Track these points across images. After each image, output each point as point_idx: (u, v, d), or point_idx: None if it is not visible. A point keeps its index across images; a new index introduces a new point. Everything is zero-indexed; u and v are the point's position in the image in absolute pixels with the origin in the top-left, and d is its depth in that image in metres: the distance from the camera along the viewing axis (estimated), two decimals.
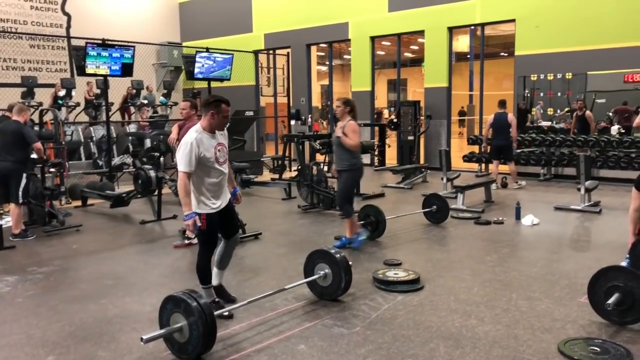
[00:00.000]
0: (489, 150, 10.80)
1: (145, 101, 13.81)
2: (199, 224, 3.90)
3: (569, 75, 11.42)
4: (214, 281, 4.31)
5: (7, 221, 7.56)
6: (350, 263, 4.42)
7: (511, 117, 9.92)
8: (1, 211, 8.33)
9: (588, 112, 10.90)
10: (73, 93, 12.56)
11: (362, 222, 6.51)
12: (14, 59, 14.70)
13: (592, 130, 10.80)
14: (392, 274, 4.90)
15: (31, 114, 8.45)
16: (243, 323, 4.01)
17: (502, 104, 10.12)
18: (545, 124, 12.03)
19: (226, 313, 4.03)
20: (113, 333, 3.87)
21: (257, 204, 9.03)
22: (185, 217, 3.89)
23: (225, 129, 4.18)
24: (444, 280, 4.95)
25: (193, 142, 3.88)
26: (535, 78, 11.87)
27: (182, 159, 3.87)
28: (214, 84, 11.73)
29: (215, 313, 3.61)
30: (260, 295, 4.24)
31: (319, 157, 10.11)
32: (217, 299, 4.20)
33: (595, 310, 3.93)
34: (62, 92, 12.30)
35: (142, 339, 3.24)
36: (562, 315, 4.07)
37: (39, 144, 6.93)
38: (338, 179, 6.15)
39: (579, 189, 8.13)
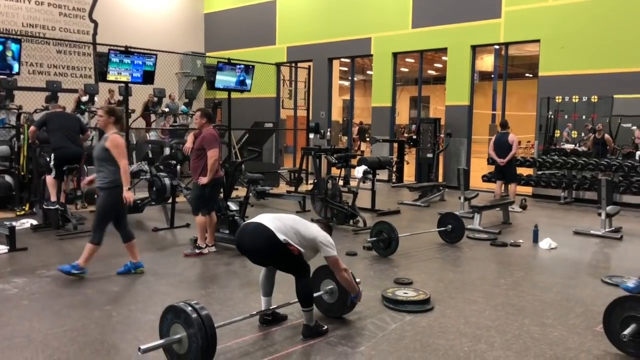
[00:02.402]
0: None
1: (167, 109, 13.92)
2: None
3: (594, 98, 11.22)
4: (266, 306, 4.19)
5: (22, 223, 7.63)
6: (358, 280, 4.32)
7: (512, 138, 9.90)
8: (18, 213, 8.43)
9: (607, 136, 10.85)
10: (96, 99, 12.71)
11: (374, 238, 6.42)
12: (41, 63, 14.95)
13: (610, 151, 10.78)
14: (402, 293, 4.78)
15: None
16: (246, 337, 3.93)
17: (504, 125, 10.26)
18: (568, 146, 11.81)
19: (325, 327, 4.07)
20: (114, 341, 3.82)
21: None
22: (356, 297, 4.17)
23: None
24: (455, 302, 4.82)
25: None
26: (560, 100, 11.67)
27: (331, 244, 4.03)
28: (234, 95, 11.76)
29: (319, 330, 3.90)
30: (265, 309, 4.15)
31: (335, 171, 10.03)
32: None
33: (610, 341, 3.77)
34: (85, 98, 12.46)
35: (139, 348, 3.18)
36: (576, 344, 3.92)
37: (88, 133, 8.51)
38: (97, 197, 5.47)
39: (599, 214, 7.92)
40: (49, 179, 7.46)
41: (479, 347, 3.83)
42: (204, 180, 6.10)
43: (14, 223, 6.80)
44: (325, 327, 4.04)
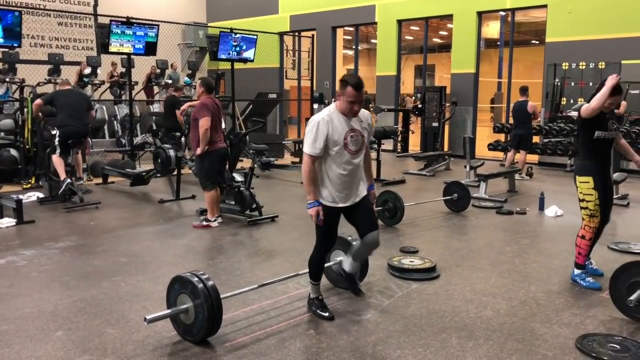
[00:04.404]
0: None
1: (170, 81, 13.82)
2: (321, 216, 3.49)
3: (601, 65, 11.06)
4: (346, 267, 3.86)
5: (29, 196, 7.67)
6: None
7: (531, 105, 9.62)
8: (24, 186, 8.46)
9: (623, 102, 10.60)
10: (98, 71, 12.63)
11: (380, 208, 6.41)
12: (42, 36, 14.84)
13: (622, 121, 10.52)
14: (408, 262, 4.80)
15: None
16: (254, 305, 3.96)
17: (523, 91, 9.83)
18: (574, 114, 11.68)
19: (326, 314, 3.73)
20: (123, 311, 3.86)
21: (276, 186, 8.98)
22: (308, 206, 3.52)
23: (356, 115, 3.52)
24: (461, 270, 4.83)
25: (320, 121, 3.39)
26: (566, 66, 11.52)
27: (307, 139, 3.41)
28: (237, 66, 11.66)
29: (317, 311, 3.71)
30: (273, 280, 4.17)
31: None
32: (321, 297, 3.84)
33: (616, 306, 3.79)
34: (87, 70, 12.38)
35: (145, 318, 3.20)
36: (582, 310, 3.93)
37: (94, 112, 8.36)
38: None
39: None
40: (55, 157, 7.42)
41: (485, 314, 3.85)
42: (198, 151, 6.07)
43: (20, 196, 6.82)
44: (328, 314, 3.75)
